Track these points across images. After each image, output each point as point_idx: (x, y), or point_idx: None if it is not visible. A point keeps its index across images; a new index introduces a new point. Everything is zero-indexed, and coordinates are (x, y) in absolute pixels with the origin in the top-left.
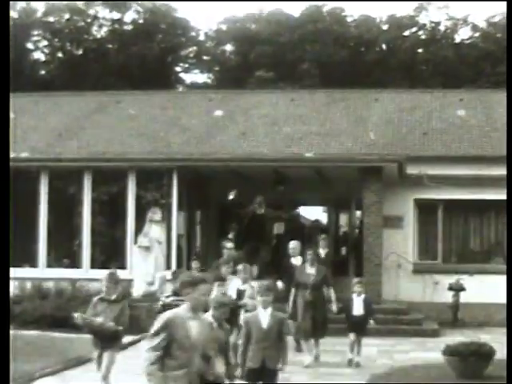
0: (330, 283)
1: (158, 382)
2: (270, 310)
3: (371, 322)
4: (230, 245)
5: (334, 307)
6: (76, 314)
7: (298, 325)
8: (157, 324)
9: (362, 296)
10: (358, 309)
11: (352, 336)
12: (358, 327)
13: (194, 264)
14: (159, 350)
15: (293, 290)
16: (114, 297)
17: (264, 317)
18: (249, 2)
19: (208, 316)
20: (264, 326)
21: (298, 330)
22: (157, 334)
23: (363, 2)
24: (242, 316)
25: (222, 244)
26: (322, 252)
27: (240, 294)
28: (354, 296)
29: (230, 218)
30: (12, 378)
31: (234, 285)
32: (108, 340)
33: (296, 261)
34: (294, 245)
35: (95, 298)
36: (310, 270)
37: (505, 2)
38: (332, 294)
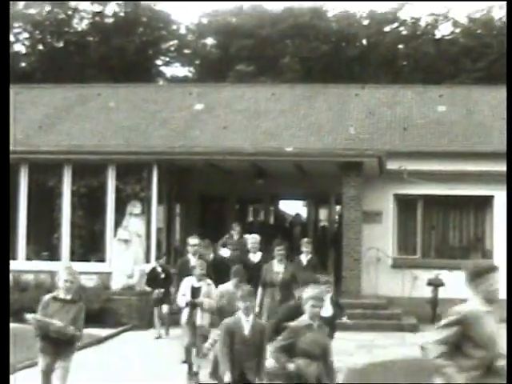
0: (299, 283)
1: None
2: (251, 316)
3: (344, 318)
4: (194, 241)
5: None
6: (29, 315)
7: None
8: (450, 317)
9: (329, 296)
10: (325, 310)
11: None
12: (328, 330)
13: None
14: (447, 343)
15: (259, 290)
16: (69, 296)
17: (246, 324)
18: None
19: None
20: (246, 333)
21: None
22: (448, 326)
23: (344, 1)
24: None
25: (186, 240)
26: (304, 259)
27: (194, 291)
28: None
29: (210, 212)
30: None
31: (187, 283)
32: (63, 346)
33: (255, 257)
34: (253, 239)
35: (47, 297)
36: (278, 268)
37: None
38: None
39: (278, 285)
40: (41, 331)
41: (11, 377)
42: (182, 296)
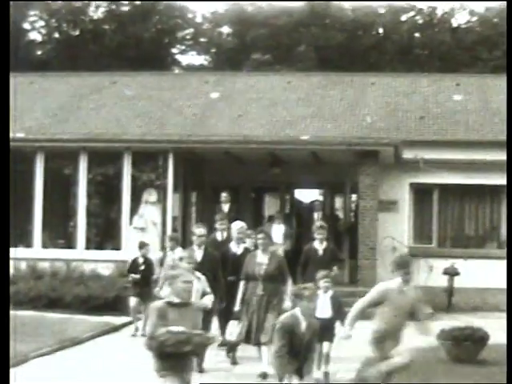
0: (287, 274)
1: None
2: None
3: (345, 329)
4: (200, 230)
5: (287, 303)
6: (163, 330)
7: (247, 326)
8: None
9: (330, 293)
10: (324, 310)
11: (317, 346)
12: (325, 334)
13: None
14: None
15: (241, 284)
16: (185, 300)
17: (304, 322)
18: None
19: None
20: (303, 332)
21: (245, 334)
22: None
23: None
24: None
25: (192, 230)
26: (320, 247)
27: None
28: (320, 293)
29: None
30: None
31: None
32: (190, 360)
33: (238, 248)
34: (238, 226)
35: (160, 303)
36: (262, 258)
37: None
38: (288, 287)
39: (261, 278)
40: (176, 347)
41: (24, 365)
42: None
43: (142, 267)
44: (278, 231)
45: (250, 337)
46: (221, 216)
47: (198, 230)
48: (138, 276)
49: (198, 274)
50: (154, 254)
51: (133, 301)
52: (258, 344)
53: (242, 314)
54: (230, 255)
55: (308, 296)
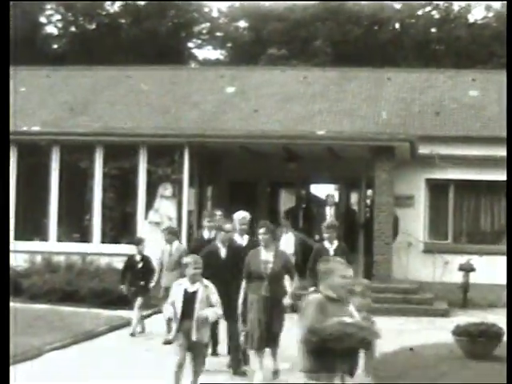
0: (294, 273)
1: None
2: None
3: None
4: (228, 226)
5: (287, 300)
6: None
7: (250, 329)
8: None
9: None
10: None
11: None
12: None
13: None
14: None
15: (243, 283)
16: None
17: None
18: None
19: None
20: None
21: (249, 337)
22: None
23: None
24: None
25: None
26: (330, 247)
27: (188, 299)
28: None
29: (241, 196)
30: (21, 352)
31: (178, 287)
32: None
33: (243, 240)
34: (240, 216)
35: (319, 297)
36: (266, 256)
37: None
38: (292, 286)
39: (266, 277)
40: (341, 341)
41: (38, 359)
42: (170, 306)
43: (140, 265)
44: (287, 242)
45: (255, 344)
46: (209, 212)
47: (227, 226)
48: (132, 288)
49: (205, 281)
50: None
51: (139, 300)
52: (269, 348)
53: (246, 318)
54: (235, 248)
55: (360, 292)
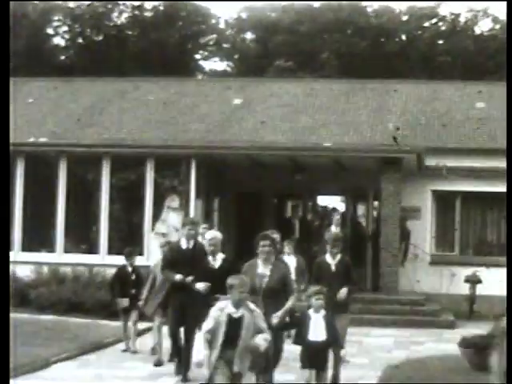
0: (291, 289)
1: None
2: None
3: (342, 352)
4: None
5: (275, 317)
6: None
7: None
8: None
9: (322, 312)
10: (316, 332)
11: (306, 373)
12: (318, 360)
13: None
14: None
15: None
16: None
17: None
18: None
19: None
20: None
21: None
22: None
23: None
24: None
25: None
26: (332, 261)
27: (232, 325)
28: (311, 312)
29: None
30: (27, 363)
31: (219, 311)
32: None
33: (215, 261)
34: (212, 235)
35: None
36: (263, 270)
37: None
38: (290, 303)
39: (262, 293)
40: None
41: (45, 370)
42: (207, 333)
43: (133, 277)
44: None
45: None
46: (190, 220)
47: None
48: (126, 303)
49: (251, 305)
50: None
51: (134, 316)
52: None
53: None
54: (207, 269)
55: None
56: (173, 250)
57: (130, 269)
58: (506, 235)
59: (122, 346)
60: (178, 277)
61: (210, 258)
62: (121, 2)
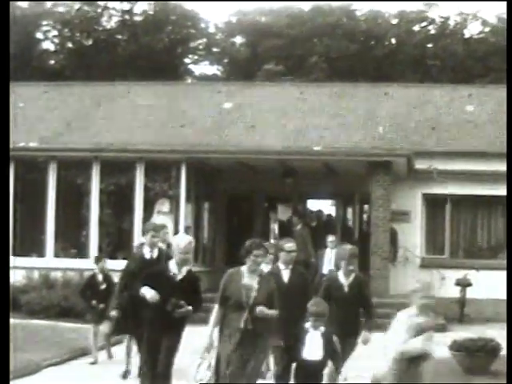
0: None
1: None
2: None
3: (341, 376)
4: (290, 246)
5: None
6: None
7: (223, 369)
8: None
9: (321, 329)
10: (313, 349)
11: None
12: (312, 379)
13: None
14: None
15: (215, 312)
16: None
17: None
18: None
19: None
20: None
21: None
22: None
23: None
24: None
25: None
26: (345, 280)
27: None
28: (309, 327)
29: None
30: (19, 368)
31: None
32: None
33: (178, 271)
34: (185, 242)
35: None
36: (250, 281)
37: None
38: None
39: (247, 306)
40: None
41: (36, 375)
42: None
43: (103, 286)
44: None
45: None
46: (152, 225)
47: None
48: (101, 305)
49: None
50: None
51: (106, 327)
52: None
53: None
54: (165, 279)
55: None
56: (135, 260)
57: (99, 276)
58: (495, 238)
59: (115, 349)
60: (151, 295)
61: (174, 267)
62: (110, 6)
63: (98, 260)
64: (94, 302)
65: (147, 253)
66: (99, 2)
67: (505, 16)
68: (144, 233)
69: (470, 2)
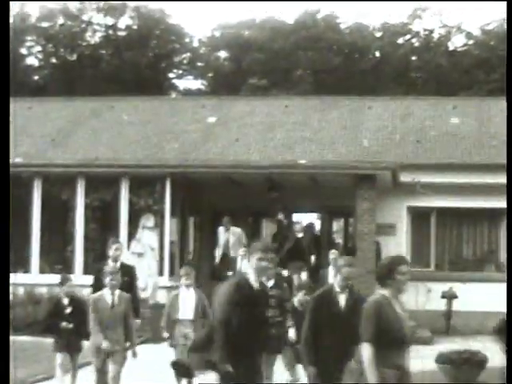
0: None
1: None
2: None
3: None
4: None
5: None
6: None
7: None
8: None
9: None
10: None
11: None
12: None
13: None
14: None
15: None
16: None
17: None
18: (243, 8)
19: None
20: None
21: None
22: None
23: (357, 1)
24: None
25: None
26: (341, 298)
27: None
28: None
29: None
30: None
31: None
32: None
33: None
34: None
35: None
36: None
37: (504, 3)
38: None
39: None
40: None
41: None
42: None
43: (69, 310)
44: None
45: None
46: (114, 240)
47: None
48: (70, 325)
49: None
50: (153, 279)
51: (59, 358)
52: None
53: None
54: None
55: None
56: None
57: (65, 300)
58: (480, 250)
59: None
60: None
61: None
62: (95, 22)
63: (63, 282)
64: (63, 324)
65: (109, 298)
66: (83, 17)
67: (488, 28)
68: (109, 247)
69: (456, 11)
